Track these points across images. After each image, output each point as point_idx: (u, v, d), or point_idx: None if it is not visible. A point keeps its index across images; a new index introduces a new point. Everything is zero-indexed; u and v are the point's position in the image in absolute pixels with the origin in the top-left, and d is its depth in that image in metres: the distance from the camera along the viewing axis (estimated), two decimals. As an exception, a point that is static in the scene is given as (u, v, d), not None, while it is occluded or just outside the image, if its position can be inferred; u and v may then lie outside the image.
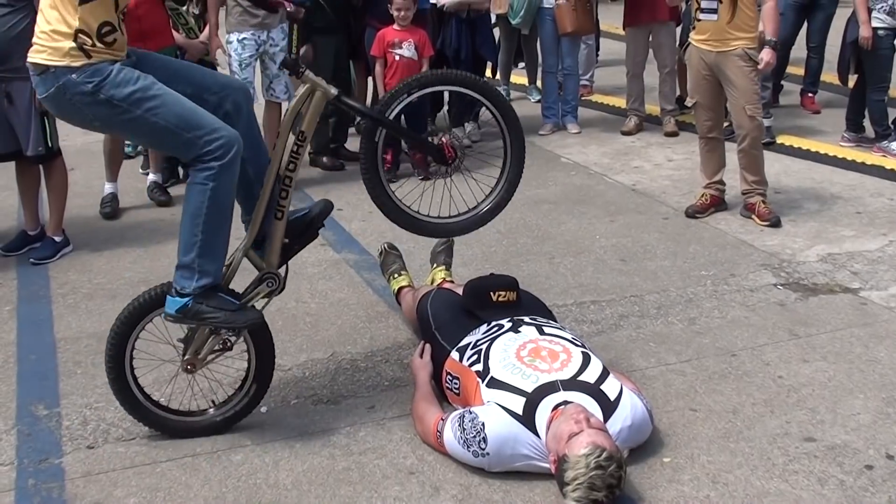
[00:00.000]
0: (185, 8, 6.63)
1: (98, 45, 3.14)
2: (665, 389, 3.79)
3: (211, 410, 3.61)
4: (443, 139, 3.63)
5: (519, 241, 5.54)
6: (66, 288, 5.03)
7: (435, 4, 7.43)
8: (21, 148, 5.32)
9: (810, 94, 8.45)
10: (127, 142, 7.00)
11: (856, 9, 6.97)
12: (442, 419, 3.33)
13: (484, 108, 3.65)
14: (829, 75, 8.28)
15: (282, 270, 3.55)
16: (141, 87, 3.15)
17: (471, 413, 3.24)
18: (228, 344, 3.51)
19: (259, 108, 6.69)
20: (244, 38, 6.45)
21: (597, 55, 9.72)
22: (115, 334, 3.43)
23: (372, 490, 3.19)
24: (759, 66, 5.55)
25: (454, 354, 3.62)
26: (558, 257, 5.28)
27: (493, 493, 3.15)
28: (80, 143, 7.43)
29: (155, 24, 5.97)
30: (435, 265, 4.60)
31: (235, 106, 3.43)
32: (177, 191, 6.49)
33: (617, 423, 3.19)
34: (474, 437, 3.17)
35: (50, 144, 5.36)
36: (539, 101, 8.60)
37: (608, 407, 3.21)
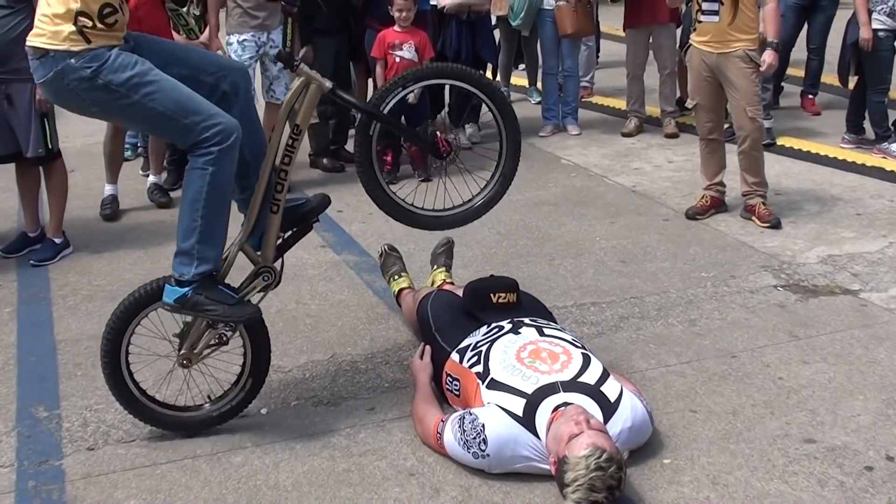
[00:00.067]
0: (185, 9, 6.64)
1: (99, 25, 3.14)
2: (665, 391, 3.79)
3: (207, 405, 3.61)
4: (437, 133, 3.62)
5: (519, 243, 5.54)
6: (67, 290, 5.03)
7: (435, 6, 7.44)
8: (21, 149, 5.33)
9: (810, 96, 8.45)
10: (126, 144, 7.01)
11: (856, 10, 6.98)
12: (442, 421, 3.33)
13: (484, 108, 3.65)
14: (830, 77, 8.27)
15: (277, 264, 3.54)
16: (139, 73, 3.15)
17: (471, 414, 3.24)
18: (224, 338, 3.51)
19: (259, 110, 6.72)
20: (244, 40, 6.45)
21: (597, 57, 9.72)
22: (112, 329, 3.43)
23: (372, 491, 3.19)
24: (762, 69, 5.56)
25: (454, 356, 3.62)
26: (558, 259, 5.29)
27: (493, 494, 3.15)
28: (80, 145, 7.44)
29: (155, 25, 5.96)
30: (435, 267, 4.60)
31: (233, 86, 3.42)
32: (178, 193, 6.49)
33: (617, 424, 3.19)
34: (474, 438, 3.17)
35: (50, 146, 5.36)
36: (539, 103, 8.60)
37: (608, 408, 3.21)
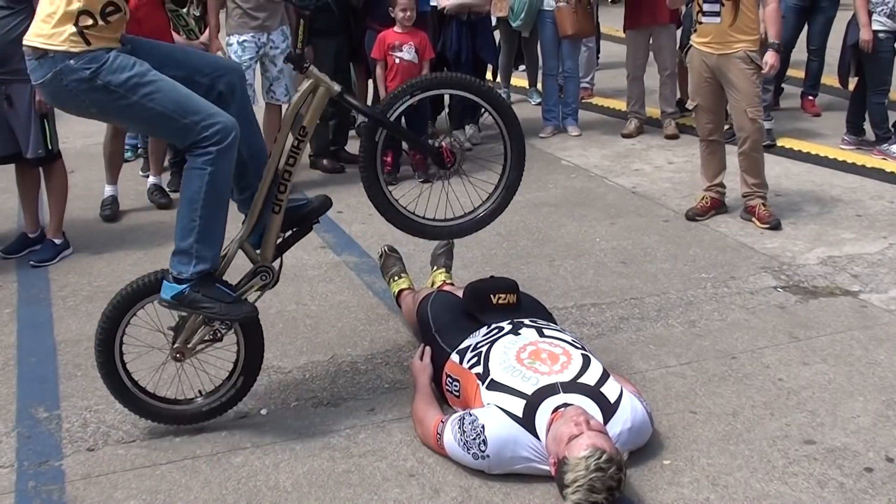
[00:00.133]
0: (185, 10, 6.64)
1: (101, 23, 3.14)
2: (665, 392, 3.79)
3: (199, 399, 3.62)
4: (442, 143, 3.64)
5: (519, 244, 5.54)
6: (67, 290, 5.03)
7: (435, 7, 7.45)
8: (21, 150, 5.33)
9: (811, 97, 8.45)
10: (126, 145, 7.01)
11: (856, 11, 6.98)
12: (442, 421, 3.33)
13: (486, 113, 3.66)
14: (830, 78, 8.28)
15: (276, 264, 3.55)
16: (137, 73, 3.16)
17: (471, 415, 3.24)
18: (218, 335, 3.52)
19: (259, 111, 6.72)
20: (244, 41, 6.46)
21: (597, 58, 9.72)
22: (107, 318, 3.44)
23: (372, 492, 3.19)
24: (764, 70, 5.56)
25: (454, 357, 3.62)
26: (558, 260, 5.29)
27: (493, 495, 3.15)
28: (79, 146, 7.44)
29: (155, 26, 5.97)
30: (435, 268, 4.60)
31: (229, 86, 3.43)
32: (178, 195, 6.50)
33: (617, 425, 3.19)
34: (474, 439, 3.17)
35: (50, 147, 5.36)
36: (539, 104, 8.60)
37: (608, 409, 3.21)
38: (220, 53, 6.59)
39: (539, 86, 8.85)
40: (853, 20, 7.14)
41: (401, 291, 4.49)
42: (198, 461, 3.41)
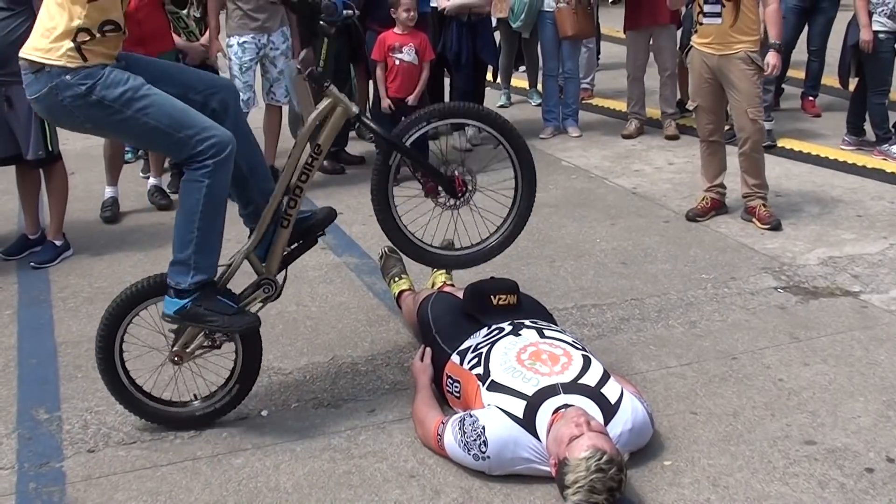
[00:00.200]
0: (185, 12, 6.64)
1: (98, 36, 3.15)
2: (665, 393, 3.79)
3: (194, 403, 3.64)
4: (455, 172, 3.66)
5: (519, 245, 5.48)
6: (67, 292, 5.03)
7: (435, 8, 7.45)
8: (21, 152, 5.33)
9: (811, 98, 8.46)
10: (127, 147, 7.01)
11: (856, 12, 6.98)
12: (442, 422, 3.33)
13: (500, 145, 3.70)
14: (830, 79, 8.28)
15: (281, 276, 3.57)
16: (131, 87, 3.17)
17: (471, 416, 3.24)
18: (217, 342, 3.53)
19: (259, 112, 6.73)
20: (244, 42, 6.45)
21: (597, 59, 9.72)
22: (109, 315, 3.46)
23: (373, 493, 3.19)
24: (766, 71, 5.56)
25: (455, 358, 3.62)
26: (559, 261, 5.28)
27: (493, 496, 3.15)
28: (80, 147, 7.44)
29: (155, 28, 5.97)
30: (435, 269, 4.60)
31: (222, 104, 3.45)
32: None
33: (617, 426, 3.19)
34: (475, 440, 3.17)
35: (50, 148, 5.36)
36: (539, 105, 8.60)
37: (609, 410, 3.21)
38: (220, 55, 6.60)
39: (539, 87, 8.85)
40: (853, 21, 7.14)
41: (401, 292, 4.49)
42: (198, 462, 3.41)
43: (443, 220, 3.74)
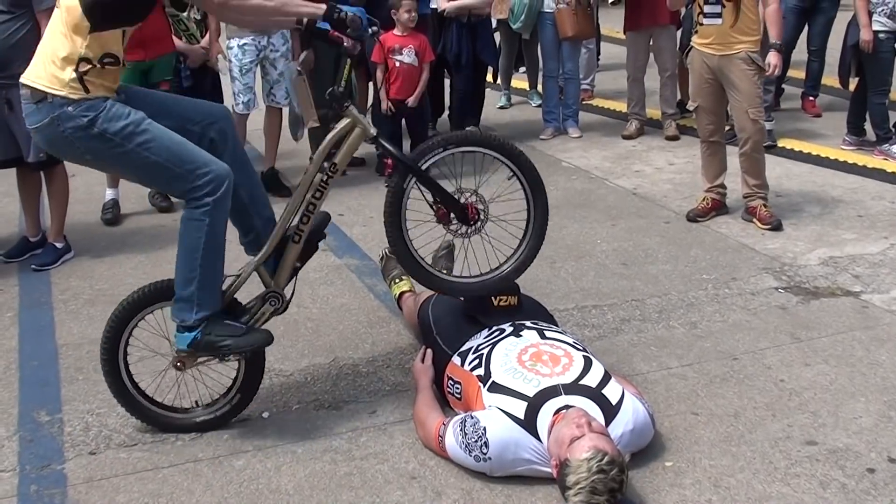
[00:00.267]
0: (185, 14, 6.64)
1: (97, 67, 3.19)
2: (666, 393, 3.79)
3: (195, 410, 3.65)
4: (469, 199, 3.69)
5: (520, 246, 5.53)
6: (68, 294, 5.04)
7: (435, 9, 7.45)
8: (22, 154, 5.33)
9: (811, 98, 8.46)
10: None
11: (856, 12, 6.98)
12: (443, 424, 3.33)
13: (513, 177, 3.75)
14: (830, 79, 8.28)
15: (288, 290, 3.61)
16: (133, 121, 3.21)
17: (472, 418, 3.24)
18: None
19: (260, 114, 6.74)
20: (244, 44, 6.45)
21: (597, 59, 9.73)
22: (116, 317, 3.49)
23: (374, 495, 3.19)
24: (767, 71, 5.56)
25: (455, 359, 3.62)
26: (559, 262, 5.28)
27: (494, 497, 3.15)
28: (81, 150, 7.43)
29: (156, 30, 5.97)
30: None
31: (221, 133, 3.50)
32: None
33: (619, 427, 3.19)
34: (476, 441, 3.17)
35: (51, 151, 5.36)
36: (540, 106, 8.60)
37: (610, 411, 3.21)
38: (220, 57, 6.60)
39: (539, 87, 8.85)
40: (853, 21, 7.14)
41: (402, 294, 4.49)
42: (199, 464, 3.41)
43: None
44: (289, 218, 3.52)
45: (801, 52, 8.33)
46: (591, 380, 3.30)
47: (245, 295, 3.63)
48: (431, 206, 3.67)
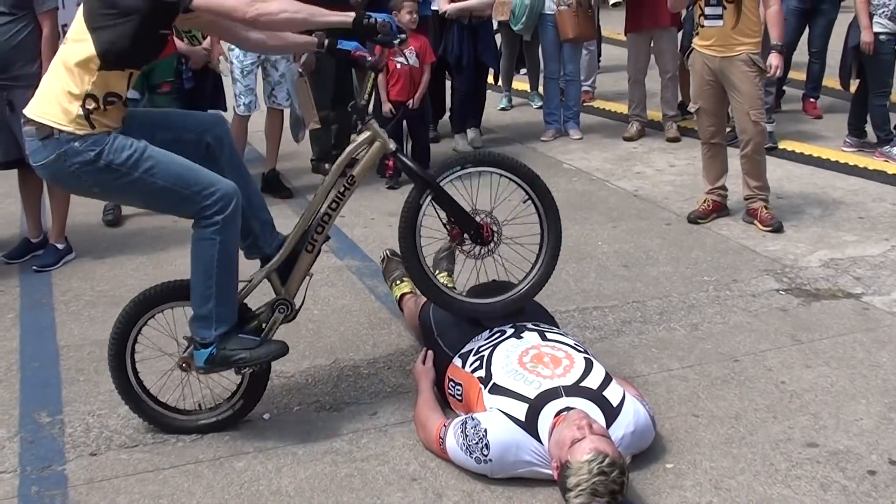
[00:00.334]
0: (187, 15, 6.64)
1: (101, 108, 3.22)
2: (667, 395, 3.79)
3: (198, 412, 3.66)
4: (485, 219, 3.70)
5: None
6: (69, 295, 5.04)
7: (436, 11, 7.45)
8: (23, 155, 5.32)
9: (812, 100, 8.46)
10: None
11: (857, 14, 6.98)
12: (444, 425, 3.33)
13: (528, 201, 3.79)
14: (831, 80, 8.28)
15: (299, 298, 3.63)
16: (137, 150, 3.25)
17: (473, 419, 3.24)
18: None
19: (261, 116, 6.74)
20: (246, 46, 6.45)
21: (598, 61, 9.73)
22: (126, 314, 3.51)
23: (374, 497, 3.19)
24: (769, 73, 5.56)
25: (456, 361, 3.62)
26: (560, 263, 5.20)
27: (495, 499, 3.15)
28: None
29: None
30: (437, 272, 4.59)
31: (217, 139, 3.54)
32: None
33: (619, 428, 3.19)
34: (477, 443, 3.17)
35: (52, 152, 5.36)
36: (541, 108, 8.60)
37: (611, 413, 3.21)
38: (221, 58, 6.60)
39: (540, 89, 8.85)
40: (854, 22, 7.14)
41: (403, 295, 4.49)
42: (200, 466, 3.41)
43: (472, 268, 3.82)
44: (304, 226, 3.55)
45: (801, 54, 8.33)
46: (592, 382, 3.30)
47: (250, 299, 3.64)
48: (445, 226, 3.67)
